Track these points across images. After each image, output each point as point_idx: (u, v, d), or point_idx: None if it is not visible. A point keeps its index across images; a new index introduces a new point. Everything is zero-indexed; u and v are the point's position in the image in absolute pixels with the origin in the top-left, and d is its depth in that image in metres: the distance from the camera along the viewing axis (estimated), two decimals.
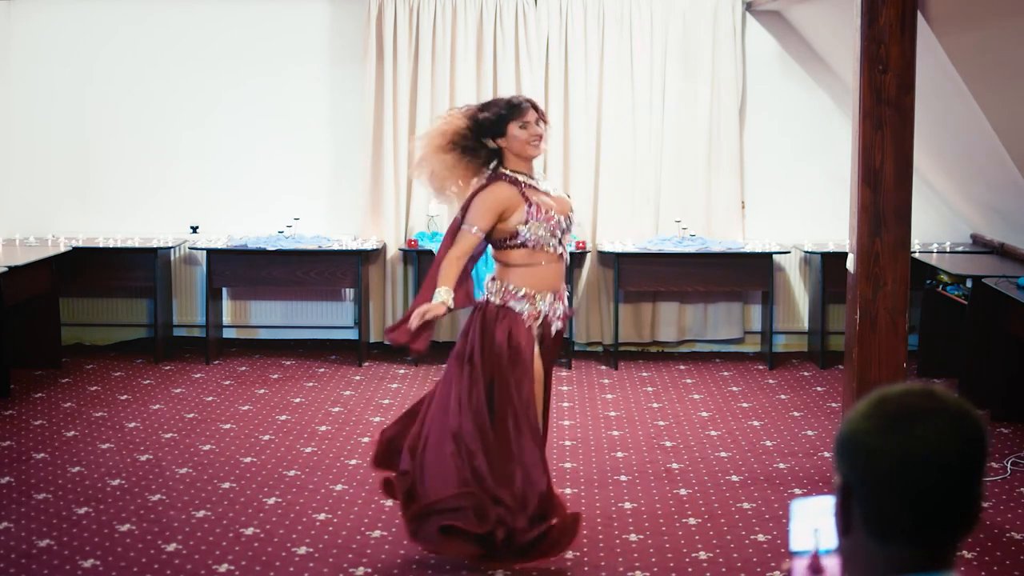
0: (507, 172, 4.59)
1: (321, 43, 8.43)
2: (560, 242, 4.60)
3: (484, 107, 4.66)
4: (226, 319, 8.50)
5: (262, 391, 7.36)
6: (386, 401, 7.16)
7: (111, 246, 8.07)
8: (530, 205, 4.51)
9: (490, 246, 4.67)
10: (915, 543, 1.49)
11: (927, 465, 1.47)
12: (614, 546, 4.90)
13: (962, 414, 1.51)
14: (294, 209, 8.35)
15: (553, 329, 4.63)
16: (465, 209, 4.56)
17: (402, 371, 7.93)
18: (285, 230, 8.23)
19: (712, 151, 8.28)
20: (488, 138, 4.60)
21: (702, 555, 4.79)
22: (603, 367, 8.08)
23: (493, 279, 4.61)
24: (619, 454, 6.14)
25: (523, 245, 4.53)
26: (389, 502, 5.37)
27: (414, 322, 4.45)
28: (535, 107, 4.61)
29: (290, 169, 8.48)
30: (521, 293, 4.53)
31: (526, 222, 4.50)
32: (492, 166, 4.64)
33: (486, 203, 4.52)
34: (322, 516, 5.20)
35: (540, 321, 4.58)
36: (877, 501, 1.50)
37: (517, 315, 4.51)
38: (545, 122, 4.64)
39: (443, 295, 4.44)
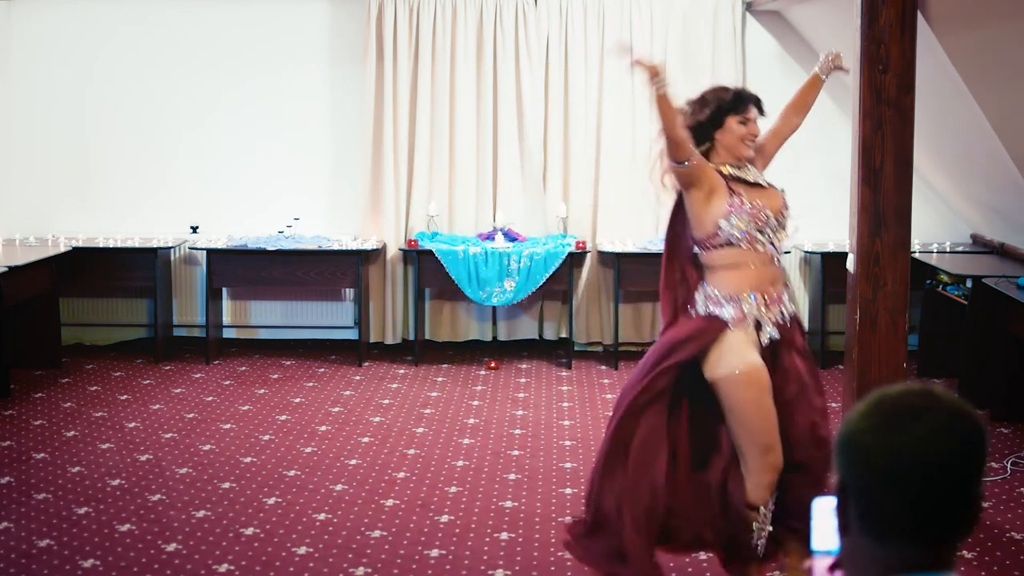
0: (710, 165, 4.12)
1: (321, 43, 8.43)
2: (771, 242, 4.08)
3: (710, 91, 4.21)
4: (226, 319, 8.50)
5: (262, 391, 7.36)
6: (386, 401, 7.16)
7: (111, 246, 8.07)
8: (732, 195, 4.03)
9: (697, 249, 4.15)
10: (913, 543, 1.49)
11: (924, 464, 1.47)
12: None
13: (960, 413, 1.50)
14: (294, 209, 8.35)
15: (764, 337, 4.03)
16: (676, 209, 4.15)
17: (402, 371, 7.93)
18: (285, 230, 8.23)
19: None
20: (706, 125, 4.13)
21: (702, 555, 4.79)
22: (603, 367, 8.08)
23: (700, 286, 4.13)
24: None
25: (728, 244, 4.02)
26: (389, 502, 5.38)
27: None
28: (759, 105, 4.19)
29: (290, 169, 8.48)
30: (724, 295, 4.02)
31: (727, 216, 4.01)
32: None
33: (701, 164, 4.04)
34: (322, 516, 5.20)
35: (751, 326, 4.01)
36: (874, 500, 1.50)
37: (720, 321, 3.99)
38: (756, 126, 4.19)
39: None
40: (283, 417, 6.78)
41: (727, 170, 4.11)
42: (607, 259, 8.23)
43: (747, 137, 4.13)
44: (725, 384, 3.96)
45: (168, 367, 7.94)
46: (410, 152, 8.30)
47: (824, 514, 1.75)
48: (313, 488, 5.57)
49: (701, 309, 4.05)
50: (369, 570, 4.63)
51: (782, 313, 4.07)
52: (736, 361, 3.94)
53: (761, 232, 4.05)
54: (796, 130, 4.39)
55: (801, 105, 4.41)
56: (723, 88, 4.23)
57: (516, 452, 6.18)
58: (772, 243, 4.08)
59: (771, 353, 4.04)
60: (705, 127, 4.11)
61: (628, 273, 8.04)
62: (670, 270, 4.22)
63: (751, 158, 4.16)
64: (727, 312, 3.99)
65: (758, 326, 4.01)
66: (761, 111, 4.20)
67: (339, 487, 5.59)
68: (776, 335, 4.04)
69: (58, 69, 8.39)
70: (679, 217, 4.19)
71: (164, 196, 8.46)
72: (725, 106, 4.12)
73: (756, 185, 4.13)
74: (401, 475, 5.78)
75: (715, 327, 3.99)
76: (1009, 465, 5.87)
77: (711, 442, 4.05)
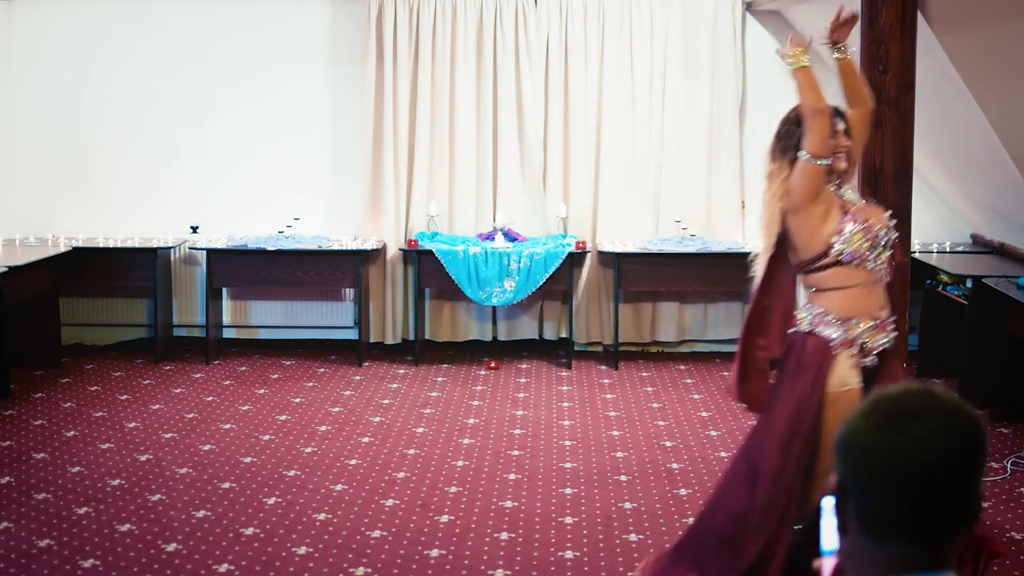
0: None
1: (321, 43, 8.43)
2: (877, 259, 3.97)
3: (794, 111, 4.07)
4: (226, 319, 8.50)
5: (262, 391, 7.36)
6: (386, 401, 7.16)
7: (111, 246, 8.07)
8: (845, 213, 3.95)
9: (801, 272, 4.05)
10: (912, 543, 1.49)
11: (923, 464, 1.47)
12: (614, 546, 4.90)
13: (958, 413, 1.50)
14: (294, 209, 8.35)
15: (867, 361, 3.94)
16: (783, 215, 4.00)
17: (402, 371, 7.93)
18: (285, 230, 8.23)
19: (712, 151, 8.28)
20: (791, 135, 4.01)
21: None
22: (603, 367, 8.08)
23: (804, 305, 4.04)
24: (619, 454, 6.14)
25: (836, 263, 3.93)
26: (389, 502, 5.38)
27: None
28: (843, 116, 4.05)
29: (290, 169, 8.48)
30: (832, 317, 3.92)
31: (840, 232, 3.92)
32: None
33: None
34: (322, 516, 5.20)
35: (856, 350, 3.92)
36: (873, 500, 1.50)
37: (824, 342, 3.91)
38: (848, 135, 4.05)
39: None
40: (283, 417, 6.78)
41: (831, 188, 4.01)
42: (607, 259, 8.23)
43: (836, 149, 4.00)
44: None
45: (168, 367, 7.94)
46: (410, 152, 8.30)
47: (830, 513, 1.76)
48: (313, 488, 5.57)
49: (806, 327, 3.96)
50: (369, 570, 4.63)
51: (887, 340, 3.99)
52: (835, 380, 3.88)
53: (871, 250, 3.95)
54: (867, 119, 4.16)
55: (850, 97, 4.17)
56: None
57: (516, 452, 6.18)
58: (878, 260, 3.99)
59: (868, 379, 3.96)
60: (792, 141, 3.99)
61: (628, 273, 8.04)
62: (761, 308, 4.13)
63: (844, 169, 4.04)
64: (834, 332, 3.91)
65: (863, 351, 3.93)
66: (845, 122, 4.06)
67: (339, 487, 5.59)
68: (876, 362, 3.96)
69: (58, 69, 8.39)
70: (780, 253, 4.06)
71: (164, 196, 8.46)
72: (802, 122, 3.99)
73: (855, 203, 4.04)
74: (401, 475, 5.78)
75: (824, 350, 3.91)
76: (1009, 465, 5.87)
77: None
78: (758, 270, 4.14)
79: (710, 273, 8.05)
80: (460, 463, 5.98)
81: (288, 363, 8.08)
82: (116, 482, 5.61)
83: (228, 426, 6.59)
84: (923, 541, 1.49)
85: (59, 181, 8.45)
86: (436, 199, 8.25)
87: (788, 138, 4.01)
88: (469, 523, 5.14)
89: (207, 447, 6.19)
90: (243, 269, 8.12)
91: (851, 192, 4.09)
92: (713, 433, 6.52)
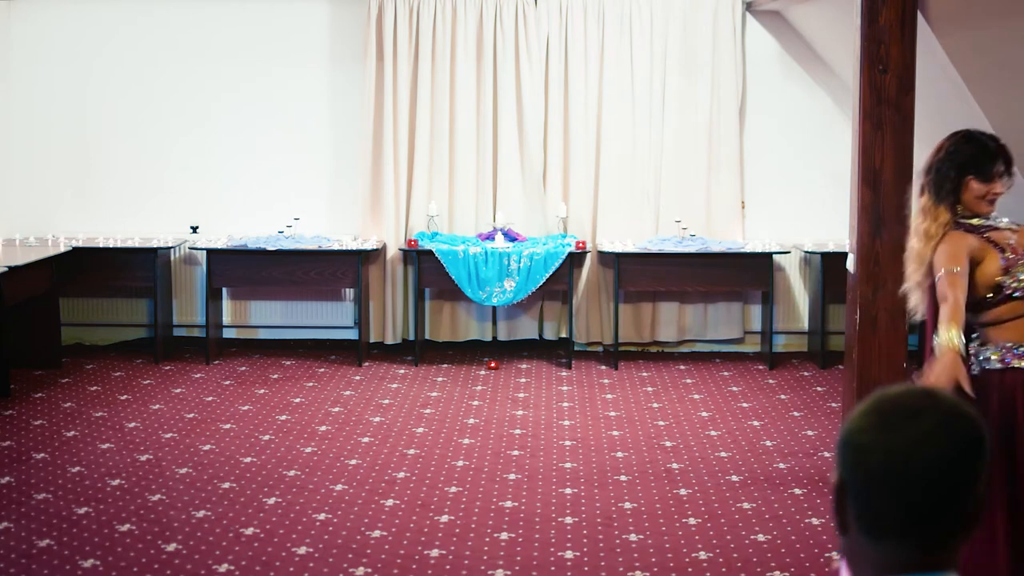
0: (961, 220, 3.89)
1: (321, 43, 8.43)
2: None
3: (953, 142, 3.97)
4: (226, 319, 8.50)
5: (262, 391, 7.36)
6: (386, 401, 7.16)
7: (111, 246, 8.07)
8: (1003, 251, 3.82)
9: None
10: (909, 543, 1.49)
11: (918, 464, 1.47)
12: (614, 546, 4.90)
13: (957, 414, 1.50)
14: (294, 209, 8.35)
15: None
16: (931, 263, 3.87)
17: (402, 371, 7.93)
18: (285, 230, 8.23)
19: (712, 151, 8.28)
20: (946, 176, 3.90)
21: (702, 555, 4.80)
22: (603, 367, 8.08)
23: (982, 344, 3.86)
24: (619, 454, 6.14)
25: (1009, 299, 3.80)
26: (389, 502, 5.38)
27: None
28: (1007, 160, 3.89)
29: (290, 169, 8.49)
30: (1022, 349, 3.79)
31: (1006, 270, 3.79)
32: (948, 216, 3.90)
33: (952, 248, 3.80)
34: (322, 516, 5.20)
35: None
36: (868, 499, 1.50)
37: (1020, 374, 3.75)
38: (1011, 175, 3.90)
39: (952, 338, 3.61)
40: (283, 417, 6.78)
41: (977, 222, 3.89)
42: (607, 259, 8.23)
43: (987, 196, 3.88)
44: None
45: (168, 367, 7.94)
46: (410, 152, 8.30)
47: None
48: (313, 488, 5.57)
49: (998, 364, 3.80)
50: (369, 570, 4.63)
51: None
52: None
53: None
54: None
55: None
56: (965, 140, 3.96)
57: (516, 452, 6.18)
58: None
59: None
60: (947, 183, 3.89)
61: (628, 273, 8.04)
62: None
63: (989, 213, 3.91)
64: None
65: None
66: (1009, 169, 3.90)
67: (339, 487, 5.59)
68: None
69: (58, 69, 8.39)
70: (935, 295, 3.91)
71: (164, 196, 8.47)
72: (966, 162, 3.89)
73: (1011, 230, 3.91)
74: (401, 475, 5.78)
75: None
76: None
77: None
78: (918, 310, 3.99)
79: (710, 273, 8.05)
80: (460, 463, 5.98)
81: (288, 363, 8.08)
82: (116, 482, 5.62)
83: (228, 426, 6.59)
84: (921, 541, 1.49)
85: (59, 181, 8.45)
86: (436, 199, 8.25)
87: (942, 178, 3.89)
88: (469, 523, 5.14)
89: (207, 447, 6.19)
90: (243, 269, 8.12)
91: (1000, 219, 3.96)
92: (713, 433, 6.52)
